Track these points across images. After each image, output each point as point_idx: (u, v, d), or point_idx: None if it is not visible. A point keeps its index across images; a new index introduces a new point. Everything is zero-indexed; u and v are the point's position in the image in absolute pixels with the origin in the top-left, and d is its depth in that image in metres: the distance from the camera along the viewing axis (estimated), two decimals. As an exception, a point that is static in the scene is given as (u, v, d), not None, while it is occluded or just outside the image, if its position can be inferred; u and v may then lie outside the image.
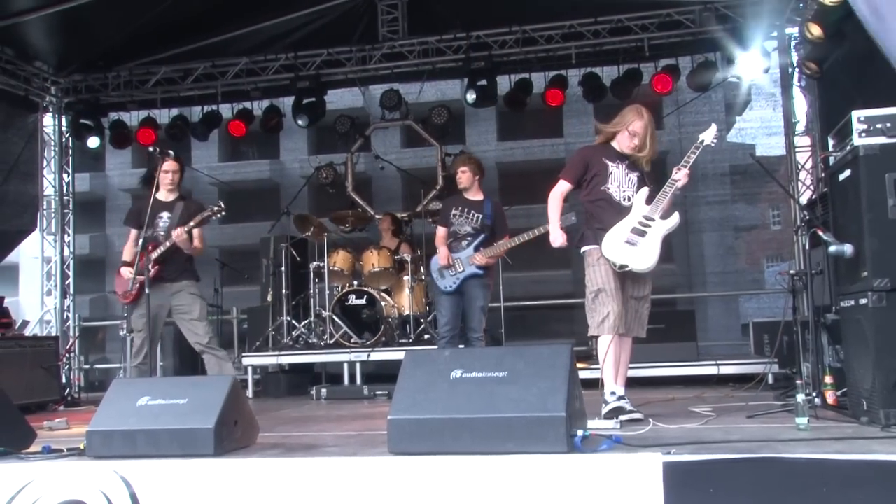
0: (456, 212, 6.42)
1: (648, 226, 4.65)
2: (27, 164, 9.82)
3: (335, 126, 10.13)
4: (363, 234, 9.78)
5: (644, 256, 4.64)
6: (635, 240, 4.65)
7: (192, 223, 5.79)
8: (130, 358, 5.79)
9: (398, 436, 3.41)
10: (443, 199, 7.96)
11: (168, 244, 5.78)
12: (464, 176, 6.43)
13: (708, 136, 4.87)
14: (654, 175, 4.88)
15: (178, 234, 5.71)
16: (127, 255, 6.01)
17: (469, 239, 6.36)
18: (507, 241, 6.33)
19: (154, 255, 5.77)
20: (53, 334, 9.61)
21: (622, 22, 8.78)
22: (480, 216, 6.37)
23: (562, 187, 4.91)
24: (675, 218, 4.68)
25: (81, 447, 3.87)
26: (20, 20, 8.36)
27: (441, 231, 6.54)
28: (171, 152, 5.99)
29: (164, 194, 6.04)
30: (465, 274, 6.32)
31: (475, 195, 6.47)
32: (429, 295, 8.33)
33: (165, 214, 5.97)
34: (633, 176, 4.81)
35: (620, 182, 4.79)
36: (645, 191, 4.76)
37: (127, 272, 5.88)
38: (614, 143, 4.87)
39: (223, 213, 5.89)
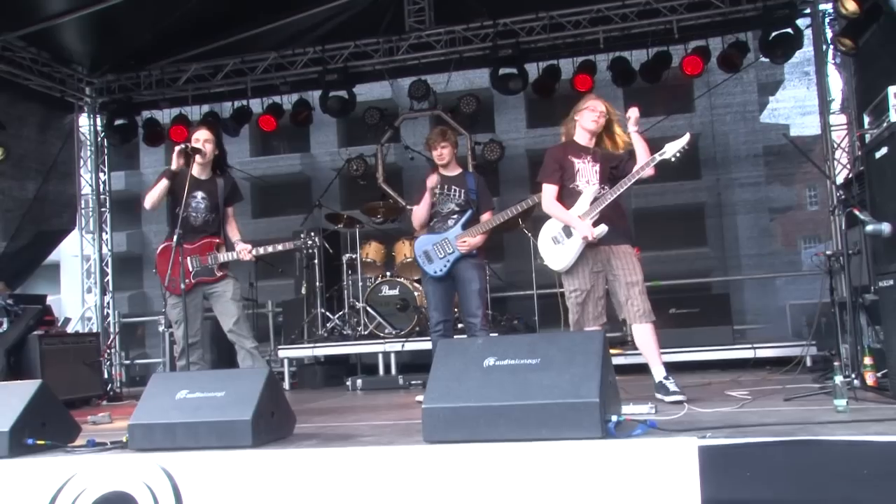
0: (436, 190, 5.78)
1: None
2: (65, 164, 10.04)
3: (364, 118, 10.18)
4: (395, 225, 9.81)
5: (558, 258, 4.90)
6: (561, 238, 4.92)
7: (267, 250, 5.54)
8: (178, 355, 5.52)
9: (433, 424, 3.43)
10: None
11: (231, 258, 5.51)
12: (445, 151, 5.77)
13: (672, 148, 4.73)
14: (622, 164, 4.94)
15: (249, 255, 5.48)
16: (148, 201, 5.50)
17: (455, 217, 5.72)
18: (494, 217, 5.70)
19: (221, 260, 5.51)
20: (94, 331, 9.81)
21: (650, 4, 8.68)
22: (463, 190, 5.75)
23: (549, 191, 5.02)
24: (600, 229, 4.74)
25: (124, 440, 3.95)
26: (54, 23, 8.53)
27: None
28: (201, 149, 5.49)
29: (197, 170, 5.54)
30: (455, 255, 5.62)
31: (453, 170, 5.86)
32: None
33: (200, 194, 5.55)
34: (597, 168, 4.94)
35: (589, 177, 4.93)
36: (594, 189, 4.86)
37: (187, 260, 5.46)
38: (576, 138, 5.04)
39: (313, 246, 5.79)
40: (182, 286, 5.43)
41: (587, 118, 4.94)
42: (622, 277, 4.82)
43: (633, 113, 4.84)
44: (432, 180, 5.72)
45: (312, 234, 5.81)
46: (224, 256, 5.54)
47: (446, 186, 5.78)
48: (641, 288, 4.80)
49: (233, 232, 5.72)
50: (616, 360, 3.96)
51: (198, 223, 5.58)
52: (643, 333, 4.83)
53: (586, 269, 4.88)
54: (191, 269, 5.52)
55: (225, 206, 5.68)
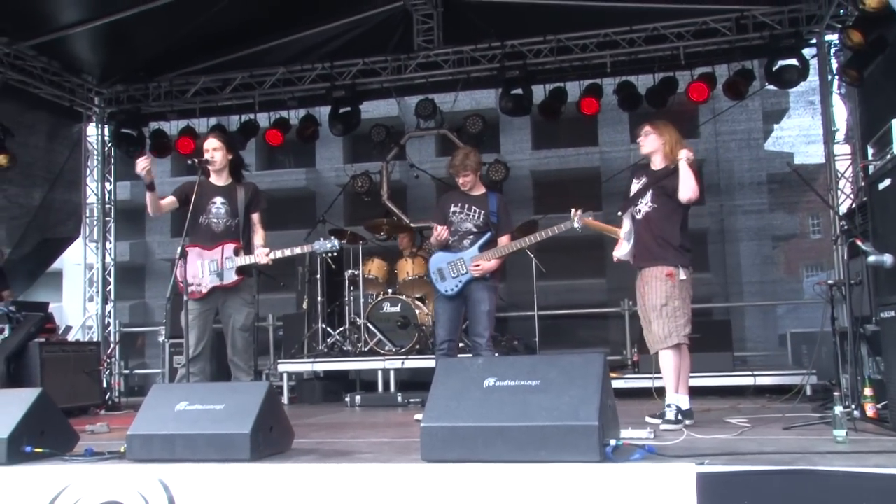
0: (455, 209, 5.74)
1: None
2: (71, 173, 10.09)
3: (370, 135, 10.23)
4: (398, 243, 9.83)
5: None
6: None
7: (286, 253, 5.54)
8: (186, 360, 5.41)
9: (431, 443, 3.43)
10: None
11: (249, 261, 5.49)
12: (467, 180, 5.71)
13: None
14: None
15: (266, 258, 5.45)
16: (153, 209, 5.54)
17: (472, 237, 5.66)
18: (511, 244, 5.67)
19: (238, 263, 5.46)
20: (95, 339, 9.81)
21: (658, 30, 8.76)
22: (483, 212, 5.68)
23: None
24: (617, 250, 5.20)
25: (122, 450, 3.95)
26: (67, 34, 8.61)
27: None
28: (210, 159, 5.56)
29: (213, 177, 5.65)
30: (468, 276, 5.61)
31: (477, 190, 5.80)
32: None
33: (219, 200, 5.58)
34: (640, 186, 5.12)
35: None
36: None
37: (203, 264, 5.47)
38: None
39: (333, 250, 5.72)
40: (193, 293, 5.44)
41: None
42: (644, 303, 4.95)
43: (682, 155, 4.97)
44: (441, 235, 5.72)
45: (333, 237, 5.73)
46: (241, 260, 5.51)
47: (466, 206, 5.74)
48: (660, 312, 4.85)
49: (258, 240, 5.68)
50: (615, 384, 3.96)
51: (219, 229, 5.58)
52: (658, 359, 4.95)
53: (637, 289, 5.10)
54: (208, 274, 5.50)
55: (249, 214, 5.68)
